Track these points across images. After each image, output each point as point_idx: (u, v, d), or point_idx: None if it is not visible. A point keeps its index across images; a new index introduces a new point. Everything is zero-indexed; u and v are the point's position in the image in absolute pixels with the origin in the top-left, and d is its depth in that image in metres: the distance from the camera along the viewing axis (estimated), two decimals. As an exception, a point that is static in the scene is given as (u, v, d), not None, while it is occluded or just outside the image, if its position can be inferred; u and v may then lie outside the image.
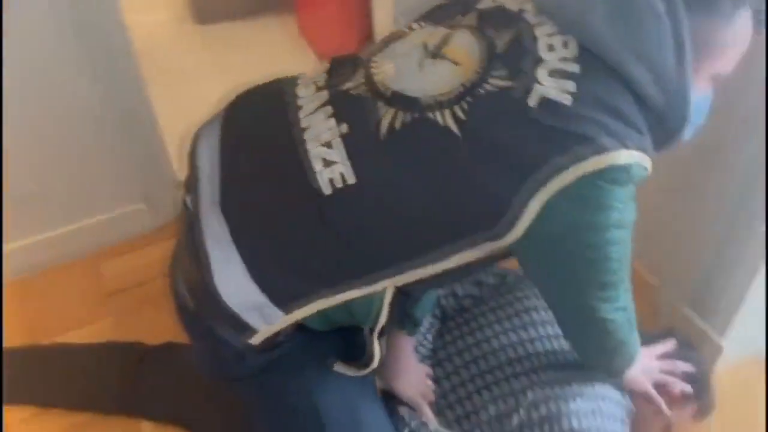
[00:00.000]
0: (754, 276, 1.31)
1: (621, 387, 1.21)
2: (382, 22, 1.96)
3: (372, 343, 0.95)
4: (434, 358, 1.26)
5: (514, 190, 0.80)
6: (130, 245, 1.80)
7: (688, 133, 0.91)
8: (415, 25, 0.97)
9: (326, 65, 0.98)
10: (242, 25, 2.72)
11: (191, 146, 1.03)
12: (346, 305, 0.90)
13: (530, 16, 0.87)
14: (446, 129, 0.82)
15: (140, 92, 1.63)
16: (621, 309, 0.97)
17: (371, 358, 0.96)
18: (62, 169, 1.62)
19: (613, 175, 0.80)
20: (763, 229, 1.24)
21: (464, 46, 0.87)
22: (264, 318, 0.90)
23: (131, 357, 1.45)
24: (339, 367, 1.00)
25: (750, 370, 1.50)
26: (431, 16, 0.98)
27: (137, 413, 1.41)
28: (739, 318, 1.39)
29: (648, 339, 1.27)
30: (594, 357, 1.14)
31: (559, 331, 1.25)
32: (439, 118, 0.83)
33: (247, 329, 0.91)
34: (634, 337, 1.08)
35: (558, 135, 0.79)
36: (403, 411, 1.13)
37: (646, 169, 0.84)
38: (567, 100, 0.79)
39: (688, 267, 1.45)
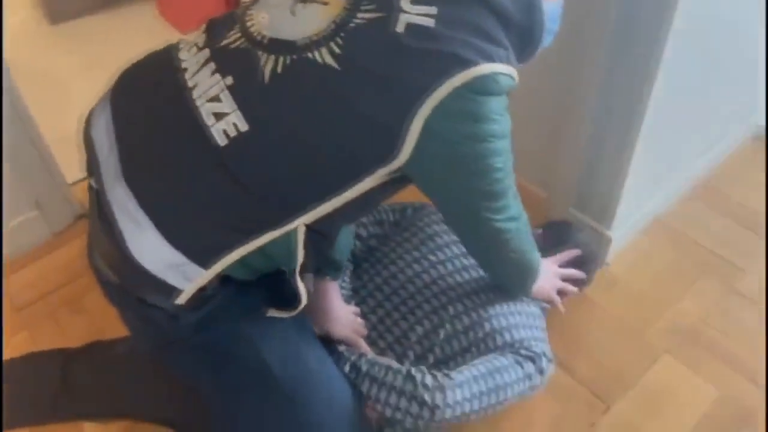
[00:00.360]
0: (626, 168, 1.46)
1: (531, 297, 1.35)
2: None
3: (296, 283, 0.99)
4: (357, 297, 1.33)
5: (395, 114, 0.86)
6: (31, 255, 1.74)
7: (547, 40, 1.01)
8: None
9: (203, 27, 1.00)
10: (99, 18, 2.62)
11: (84, 130, 1.03)
12: (263, 250, 0.93)
13: None
14: (325, 65, 0.87)
15: (17, 100, 1.57)
16: (513, 219, 1.06)
17: (299, 297, 1.00)
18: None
19: (482, 86, 0.87)
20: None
21: None
22: (185, 276, 0.92)
23: (55, 363, 1.41)
24: (272, 312, 1.04)
25: (637, 250, 1.67)
26: None
27: (74, 417, 1.39)
28: (620, 209, 1.55)
29: (547, 229, 1.45)
30: (498, 270, 1.25)
31: (464, 249, 1.36)
32: (317, 56, 0.87)
33: (172, 290, 0.93)
34: (531, 245, 1.19)
35: (426, 56, 0.85)
36: (341, 348, 1.19)
37: (513, 78, 0.92)
38: (430, 23, 0.86)
39: (568, 174, 1.59)
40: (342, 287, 1.31)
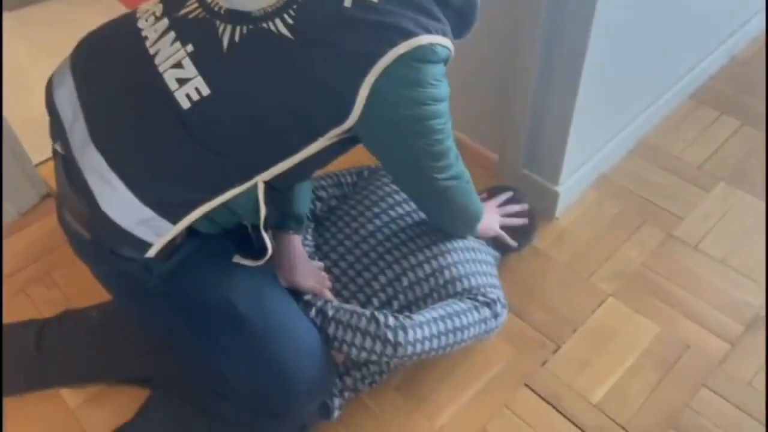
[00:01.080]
0: (568, 127, 1.55)
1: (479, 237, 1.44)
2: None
3: (262, 235, 1.06)
4: (320, 252, 1.40)
5: (345, 80, 0.94)
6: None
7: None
8: None
9: None
10: (54, 5, 2.62)
11: (46, 96, 1.08)
12: (226, 205, 1.00)
13: None
14: (280, 35, 0.94)
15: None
16: (455, 177, 1.16)
17: (265, 248, 1.07)
18: None
19: (422, 54, 0.96)
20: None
21: None
22: (155, 231, 0.99)
23: (29, 332, 1.46)
24: (238, 259, 1.11)
25: (584, 204, 1.78)
26: None
27: (50, 384, 1.43)
28: (565, 166, 1.64)
29: (491, 193, 1.54)
30: (447, 222, 1.36)
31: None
32: (272, 26, 0.94)
33: (144, 244, 1.00)
34: (474, 199, 1.29)
35: (372, 27, 0.93)
36: (307, 297, 1.26)
37: (448, 49, 1.02)
38: None
39: (517, 136, 1.68)
40: (305, 244, 1.38)
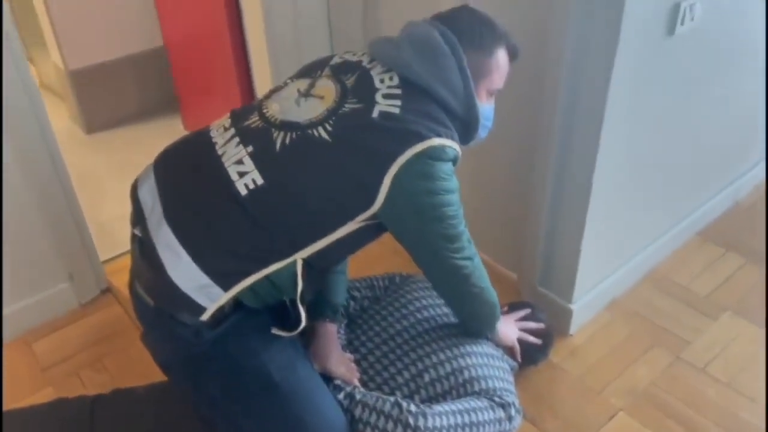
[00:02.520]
0: (578, 254, 1.73)
1: (497, 345, 1.58)
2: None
3: (298, 307, 1.23)
4: (350, 347, 1.54)
5: (372, 174, 1.16)
6: (59, 323, 1.95)
7: (483, 133, 1.36)
8: (288, 80, 1.35)
9: (228, 115, 1.33)
10: (128, 129, 2.98)
11: (131, 191, 1.33)
12: (269, 278, 1.20)
13: (366, 63, 1.28)
14: (321, 139, 1.18)
15: (67, 185, 1.87)
16: (468, 258, 1.33)
17: (298, 320, 1.24)
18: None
19: (434, 153, 1.18)
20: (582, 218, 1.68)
21: (325, 86, 1.26)
22: (209, 297, 1.19)
23: (82, 407, 1.58)
24: (276, 331, 1.27)
25: (597, 324, 1.91)
26: (299, 74, 1.37)
27: None
28: (577, 286, 1.80)
29: (512, 308, 1.69)
30: (467, 309, 1.48)
31: (445, 310, 1.60)
32: (315, 132, 1.19)
33: (199, 308, 1.19)
34: (489, 284, 1.43)
35: (394, 132, 1.17)
36: (337, 382, 1.40)
37: (456, 150, 1.23)
38: (397, 111, 1.19)
39: (533, 259, 1.85)
40: (338, 338, 1.53)
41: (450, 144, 1.21)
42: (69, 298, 1.98)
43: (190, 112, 2.88)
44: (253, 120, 1.27)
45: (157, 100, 3.03)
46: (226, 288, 1.19)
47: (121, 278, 2.08)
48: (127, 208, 1.34)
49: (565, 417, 1.64)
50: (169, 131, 2.90)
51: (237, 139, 1.24)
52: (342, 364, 1.44)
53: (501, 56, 1.30)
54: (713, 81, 1.82)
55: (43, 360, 1.85)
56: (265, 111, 1.27)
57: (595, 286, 1.88)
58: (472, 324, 1.53)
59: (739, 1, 1.70)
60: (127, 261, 2.13)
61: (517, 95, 1.65)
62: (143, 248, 1.26)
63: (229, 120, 1.31)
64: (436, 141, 1.18)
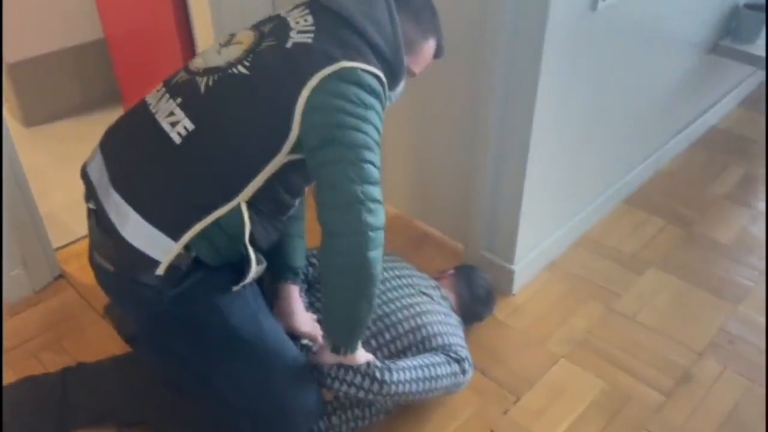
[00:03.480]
0: (517, 218, 1.88)
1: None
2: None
3: (248, 249, 1.28)
4: (312, 308, 1.62)
5: (286, 98, 1.21)
6: (13, 309, 1.95)
7: (393, 96, 1.40)
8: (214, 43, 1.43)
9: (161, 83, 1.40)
10: (70, 122, 2.95)
11: (81, 172, 1.40)
12: (218, 224, 1.24)
13: (284, 13, 1.35)
14: (240, 73, 1.26)
15: (18, 172, 1.89)
16: (374, 212, 1.21)
17: (249, 262, 1.29)
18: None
19: (345, 75, 1.21)
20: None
21: (243, 34, 1.34)
22: (162, 250, 1.24)
23: (53, 380, 1.59)
24: (236, 287, 1.32)
25: (537, 284, 2.06)
26: None
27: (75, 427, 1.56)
28: (518, 249, 1.94)
29: (457, 270, 1.81)
30: (338, 273, 1.28)
31: (399, 273, 1.70)
32: (234, 70, 1.27)
33: (153, 263, 1.24)
34: (373, 291, 1.28)
35: (305, 58, 1.23)
36: (304, 342, 1.48)
37: (377, 78, 1.25)
38: (309, 40, 1.26)
39: (478, 227, 1.99)
40: (301, 300, 1.61)
41: (365, 68, 1.23)
42: (23, 285, 1.98)
43: (132, 103, 2.88)
44: (180, 76, 1.35)
45: (99, 92, 3.01)
46: (175, 238, 1.24)
47: (73, 264, 2.10)
48: (73, 197, 1.41)
49: (513, 366, 1.78)
50: (112, 119, 2.89)
51: (167, 96, 1.32)
52: (306, 323, 1.52)
53: (430, 45, 1.40)
54: (633, 56, 2.00)
55: (0, 344, 1.85)
56: (189, 66, 1.36)
57: (534, 249, 2.03)
58: (340, 316, 1.35)
59: (652, -18, 1.88)
60: (78, 247, 2.18)
61: (457, 76, 1.78)
62: (98, 219, 1.32)
63: (161, 84, 1.38)
64: (348, 63, 1.22)
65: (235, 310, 1.33)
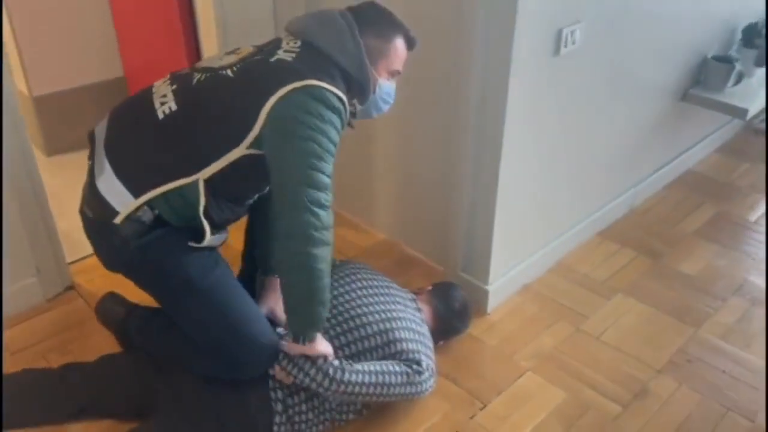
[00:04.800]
0: (490, 242, 2.04)
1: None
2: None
3: (202, 221, 1.48)
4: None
5: (254, 101, 1.42)
6: (25, 315, 2.12)
7: (385, 107, 1.64)
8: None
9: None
10: (87, 153, 3.17)
11: (89, 135, 1.63)
12: (180, 192, 1.45)
13: (284, 37, 1.57)
14: (226, 75, 1.49)
15: (38, 187, 2.09)
16: (320, 217, 1.41)
17: (203, 231, 1.49)
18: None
19: (312, 91, 1.41)
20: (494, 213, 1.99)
21: (246, 48, 1.57)
22: (122, 202, 1.47)
23: (52, 370, 1.79)
24: (193, 244, 1.52)
25: (510, 305, 2.21)
26: None
27: (67, 415, 1.72)
28: (492, 271, 2.10)
29: (435, 286, 1.97)
30: (294, 277, 1.49)
31: (376, 284, 1.85)
32: (223, 72, 1.50)
33: (113, 211, 1.48)
34: (325, 273, 1.47)
35: (282, 74, 1.44)
36: (280, 329, 1.66)
37: (339, 99, 1.45)
38: (290, 59, 1.48)
39: (455, 250, 2.15)
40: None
41: (330, 89, 1.43)
42: (36, 293, 2.16)
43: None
44: (184, 70, 1.60)
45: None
46: (136, 195, 1.46)
47: (83, 277, 2.27)
48: None
49: (483, 377, 1.92)
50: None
51: (168, 82, 1.56)
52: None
53: (398, 43, 1.59)
54: (599, 99, 2.20)
55: (11, 345, 2.01)
56: (194, 65, 1.60)
57: (509, 272, 2.18)
58: (296, 309, 1.53)
59: (614, 30, 2.09)
60: (89, 263, 2.36)
61: (434, 119, 1.98)
62: (90, 174, 1.57)
63: (169, 75, 1.61)
64: (314, 82, 1.42)
65: (191, 260, 1.53)
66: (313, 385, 1.56)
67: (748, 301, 2.25)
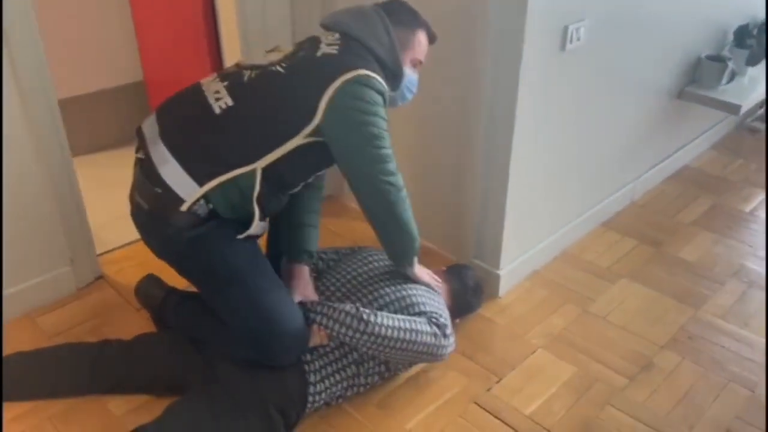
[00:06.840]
0: (502, 228, 2.16)
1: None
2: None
3: (253, 206, 1.59)
4: (318, 291, 1.89)
5: (313, 94, 1.55)
6: (58, 303, 2.22)
7: (409, 95, 1.80)
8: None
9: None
10: (108, 155, 3.28)
11: (137, 131, 1.73)
12: (235, 182, 1.56)
13: (321, 35, 1.71)
14: (277, 71, 1.62)
15: (74, 184, 2.21)
16: (394, 185, 1.65)
17: (253, 217, 1.60)
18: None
19: (362, 80, 1.57)
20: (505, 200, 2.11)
21: (285, 47, 1.71)
22: (188, 191, 1.56)
23: (91, 344, 1.91)
24: (241, 235, 1.63)
25: (521, 289, 2.33)
26: None
27: (107, 387, 1.83)
28: (503, 256, 2.22)
29: (449, 268, 2.08)
30: (390, 229, 1.77)
31: (388, 262, 1.97)
32: (273, 68, 1.63)
33: (179, 200, 1.57)
34: (410, 220, 1.75)
35: (332, 65, 1.59)
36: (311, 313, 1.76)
37: (383, 86, 1.61)
38: (335, 52, 1.62)
39: (468, 237, 2.28)
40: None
41: (375, 76, 1.59)
42: (70, 281, 2.26)
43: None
44: (230, 68, 1.73)
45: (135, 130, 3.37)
46: (200, 183, 1.56)
47: (111, 268, 2.38)
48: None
49: (497, 354, 2.03)
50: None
51: (218, 79, 1.68)
52: (314, 293, 1.83)
53: (421, 35, 1.76)
54: (601, 94, 2.33)
55: (49, 330, 2.11)
56: (239, 63, 1.73)
57: (518, 258, 2.30)
58: (395, 250, 1.84)
59: (615, 29, 2.22)
60: (116, 255, 2.47)
61: (451, 103, 2.11)
62: (143, 166, 1.65)
63: (214, 73, 1.74)
64: (363, 71, 1.57)
65: (237, 253, 1.65)
66: (350, 333, 1.68)
67: (745, 284, 2.37)
